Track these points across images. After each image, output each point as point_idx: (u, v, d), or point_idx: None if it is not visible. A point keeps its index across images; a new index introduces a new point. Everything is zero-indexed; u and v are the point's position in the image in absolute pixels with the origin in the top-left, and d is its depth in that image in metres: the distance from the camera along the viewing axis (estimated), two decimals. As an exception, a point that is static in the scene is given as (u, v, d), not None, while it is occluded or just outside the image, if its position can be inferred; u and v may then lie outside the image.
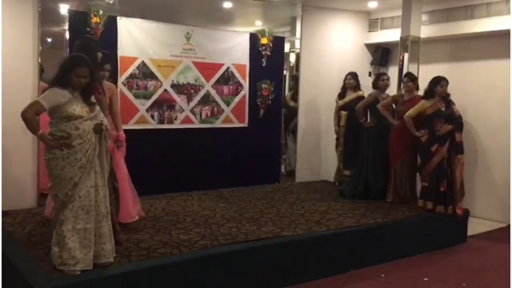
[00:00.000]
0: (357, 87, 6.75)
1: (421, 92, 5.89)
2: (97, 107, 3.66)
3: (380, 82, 6.29)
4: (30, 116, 3.37)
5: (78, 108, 3.47)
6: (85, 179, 3.48)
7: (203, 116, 6.45)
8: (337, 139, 6.93)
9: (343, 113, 6.75)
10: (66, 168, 3.43)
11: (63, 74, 3.49)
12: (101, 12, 5.51)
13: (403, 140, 5.87)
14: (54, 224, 3.55)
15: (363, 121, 6.35)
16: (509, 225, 6.18)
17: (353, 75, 6.75)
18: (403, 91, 6.15)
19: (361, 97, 6.64)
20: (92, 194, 3.52)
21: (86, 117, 3.50)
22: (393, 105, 6.13)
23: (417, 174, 5.94)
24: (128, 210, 4.50)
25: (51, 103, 3.41)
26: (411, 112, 5.68)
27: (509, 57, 6.19)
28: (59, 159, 3.44)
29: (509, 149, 6.21)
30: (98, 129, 3.56)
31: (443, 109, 5.58)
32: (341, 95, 6.83)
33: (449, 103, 5.60)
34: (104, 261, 3.60)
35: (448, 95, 5.61)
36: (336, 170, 7.02)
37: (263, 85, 6.79)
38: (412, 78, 6.00)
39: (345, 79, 6.77)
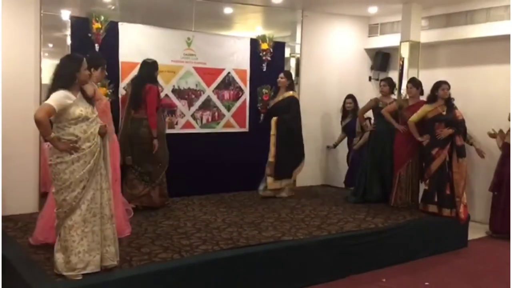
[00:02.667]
0: (290, 86, 6.39)
1: (422, 97, 5.91)
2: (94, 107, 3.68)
3: (379, 87, 6.37)
4: (44, 119, 3.34)
5: (84, 109, 3.49)
6: (92, 182, 3.51)
7: (204, 121, 6.47)
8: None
9: (274, 118, 6.27)
10: (76, 171, 3.44)
11: (70, 75, 3.49)
12: (102, 18, 5.53)
13: (408, 145, 5.89)
14: (58, 230, 3.54)
15: (363, 125, 6.44)
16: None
17: (286, 74, 6.46)
18: (404, 96, 6.19)
19: (292, 98, 6.37)
20: (97, 197, 3.54)
21: (91, 118, 3.53)
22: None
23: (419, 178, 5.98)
24: (119, 224, 4.23)
25: (60, 106, 3.40)
26: (414, 117, 5.71)
27: (509, 61, 6.22)
28: (68, 163, 3.44)
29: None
30: (103, 132, 3.60)
31: (444, 113, 5.61)
32: (274, 97, 6.57)
33: (451, 107, 5.63)
34: (109, 263, 3.62)
35: (451, 99, 5.63)
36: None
37: (263, 90, 6.80)
38: (415, 84, 6.00)
39: (278, 77, 6.43)
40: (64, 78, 3.49)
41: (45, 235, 4.08)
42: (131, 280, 3.61)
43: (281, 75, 6.42)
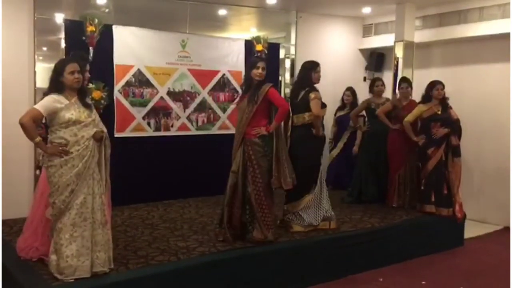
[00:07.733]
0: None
1: (417, 97, 5.93)
2: (95, 111, 3.66)
3: (374, 87, 6.33)
4: (28, 123, 3.37)
5: (75, 112, 3.47)
6: (82, 186, 3.49)
7: (200, 123, 6.46)
8: None
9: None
10: (64, 175, 3.44)
11: (56, 79, 3.50)
12: (96, 20, 5.51)
13: (403, 147, 5.89)
14: (51, 232, 3.55)
15: (358, 126, 6.43)
16: (506, 227, 6.22)
17: None
18: (398, 96, 6.19)
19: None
20: (89, 202, 3.52)
21: (84, 122, 3.50)
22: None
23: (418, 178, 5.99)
24: None
25: (48, 110, 3.42)
26: (409, 117, 5.72)
27: (502, 60, 6.25)
28: (57, 166, 3.45)
29: (504, 151, 6.26)
30: (98, 137, 3.57)
31: (439, 112, 5.63)
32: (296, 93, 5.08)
33: (446, 106, 5.65)
34: (99, 269, 3.56)
35: (446, 98, 5.66)
36: None
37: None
38: (410, 84, 6.07)
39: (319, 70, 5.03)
40: (51, 82, 3.53)
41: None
42: (128, 283, 3.60)
43: None
